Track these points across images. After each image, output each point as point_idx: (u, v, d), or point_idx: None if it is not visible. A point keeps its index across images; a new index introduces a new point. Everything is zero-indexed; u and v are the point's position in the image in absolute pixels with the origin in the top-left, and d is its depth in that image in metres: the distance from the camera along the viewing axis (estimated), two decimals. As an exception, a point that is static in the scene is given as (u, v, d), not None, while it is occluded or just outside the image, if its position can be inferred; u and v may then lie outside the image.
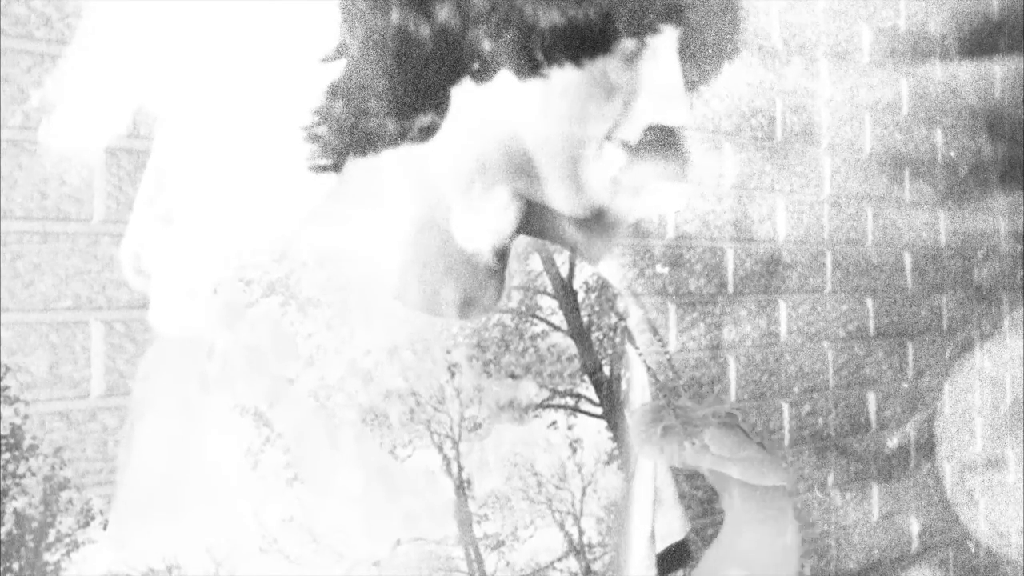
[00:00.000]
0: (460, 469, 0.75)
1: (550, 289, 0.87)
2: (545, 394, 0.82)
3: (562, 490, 0.80)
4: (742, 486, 0.83)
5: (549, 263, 0.88)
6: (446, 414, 0.76)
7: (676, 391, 0.87)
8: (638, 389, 0.92)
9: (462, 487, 0.75)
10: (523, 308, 0.84)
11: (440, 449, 0.75)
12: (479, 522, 0.75)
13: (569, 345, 0.85)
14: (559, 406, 0.83)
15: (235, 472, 0.69)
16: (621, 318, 0.91)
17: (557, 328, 0.85)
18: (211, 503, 0.69)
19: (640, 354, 0.90)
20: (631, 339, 0.92)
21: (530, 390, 0.81)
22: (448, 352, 0.77)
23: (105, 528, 1.10)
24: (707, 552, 0.86)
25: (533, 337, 0.83)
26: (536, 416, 0.81)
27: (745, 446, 0.84)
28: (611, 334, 0.90)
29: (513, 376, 0.80)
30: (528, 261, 0.87)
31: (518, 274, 0.85)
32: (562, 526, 0.79)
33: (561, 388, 0.83)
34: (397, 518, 0.72)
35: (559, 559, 0.79)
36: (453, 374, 0.77)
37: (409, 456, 0.73)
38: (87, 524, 1.10)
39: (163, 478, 0.71)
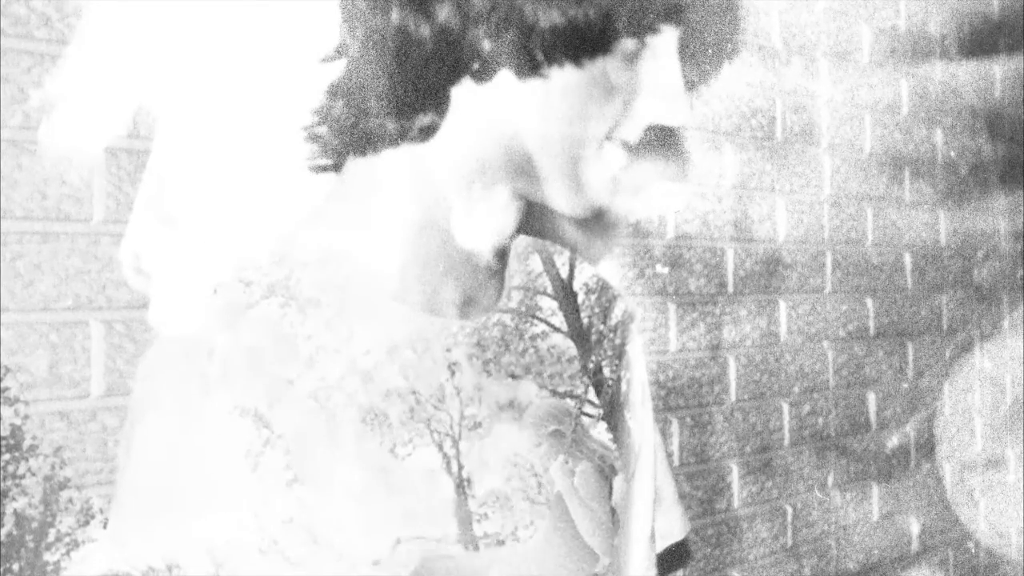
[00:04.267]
0: (460, 468, 0.75)
1: (550, 290, 0.87)
2: (545, 395, 0.82)
3: (562, 490, 0.80)
4: (567, 526, 0.81)
5: (549, 264, 0.88)
6: (446, 412, 0.76)
7: (583, 415, 0.86)
8: (638, 390, 0.92)
9: (462, 486, 0.75)
10: (523, 308, 0.84)
11: (440, 447, 0.75)
12: (479, 521, 0.75)
13: (569, 346, 0.85)
14: (559, 406, 0.82)
15: (235, 473, 0.69)
16: (621, 319, 0.91)
17: (557, 329, 0.85)
18: (211, 503, 0.69)
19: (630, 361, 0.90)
20: (627, 341, 0.92)
21: (530, 391, 0.81)
22: (448, 351, 0.77)
23: (105, 527, 1.10)
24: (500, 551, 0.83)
25: (533, 337, 0.83)
26: (536, 416, 0.81)
27: (600, 501, 0.82)
28: (611, 335, 0.90)
29: (513, 376, 0.80)
30: (528, 261, 0.87)
31: (518, 274, 0.85)
32: (562, 526, 0.79)
33: (561, 389, 0.83)
34: (397, 517, 0.72)
35: (559, 559, 0.78)
36: (453, 373, 0.77)
37: (409, 455, 0.73)
38: (87, 523, 1.10)
39: (163, 478, 0.71)
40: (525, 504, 0.78)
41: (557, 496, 0.79)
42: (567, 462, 0.81)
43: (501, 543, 0.76)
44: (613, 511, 0.83)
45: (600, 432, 0.84)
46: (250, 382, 0.70)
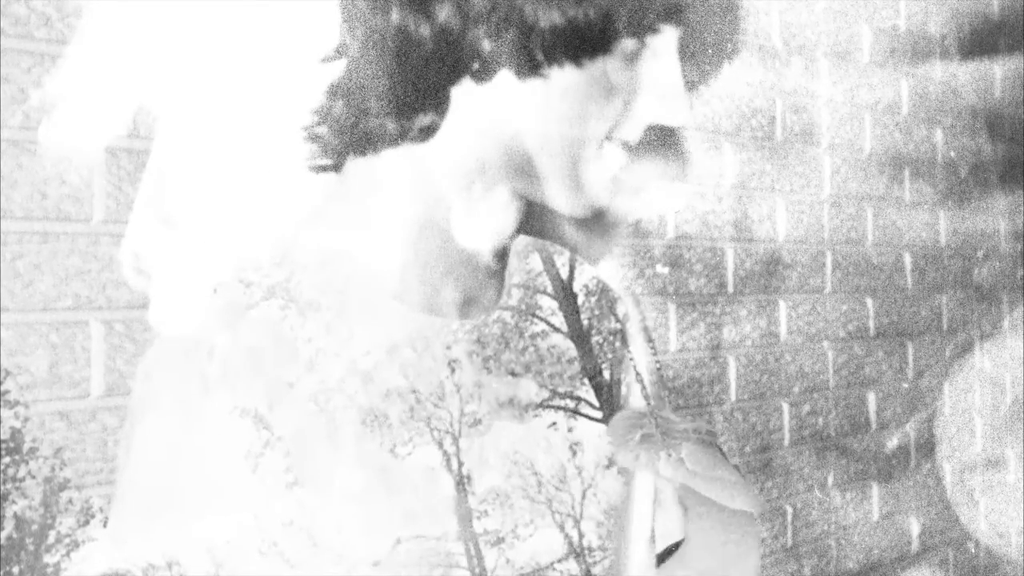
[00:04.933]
0: (460, 465, 0.75)
1: (550, 289, 0.87)
2: (545, 394, 0.82)
3: (562, 492, 0.80)
4: (710, 506, 0.83)
5: (549, 263, 0.88)
6: (446, 410, 0.76)
7: (662, 401, 0.87)
8: (638, 395, 0.92)
9: (462, 483, 0.75)
10: (523, 307, 0.84)
11: (440, 445, 0.75)
12: (479, 518, 0.75)
13: (569, 347, 0.85)
14: (559, 407, 0.83)
15: (235, 474, 0.69)
16: (621, 322, 0.91)
17: (557, 329, 0.85)
18: (211, 504, 0.69)
19: (631, 360, 0.91)
20: (626, 343, 0.92)
21: (530, 389, 0.81)
22: (448, 348, 0.77)
23: (105, 526, 1.10)
24: (665, 565, 0.85)
25: (533, 336, 0.83)
26: (536, 416, 0.81)
27: (719, 466, 0.83)
28: (611, 338, 0.90)
29: (513, 374, 0.80)
30: (528, 260, 0.87)
31: (518, 272, 0.85)
32: (562, 528, 0.79)
33: (561, 389, 0.83)
34: (397, 516, 0.72)
35: (559, 560, 0.79)
36: (453, 370, 0.77)
37: (409, 454, 0.73)
38: (87, 523, 1.10)
39: (163, 478, 0.71)
40: (525, 502, 0.78)
41: (683, 489, 0.79)
42: (670, 455, 0.81)
43: (500, 540, 0.76)
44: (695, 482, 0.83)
45: (670, 410, 0.85)
46: (250, 383, 0.71)
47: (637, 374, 0.89)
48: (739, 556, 0.83)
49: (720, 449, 0.85)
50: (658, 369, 0.94)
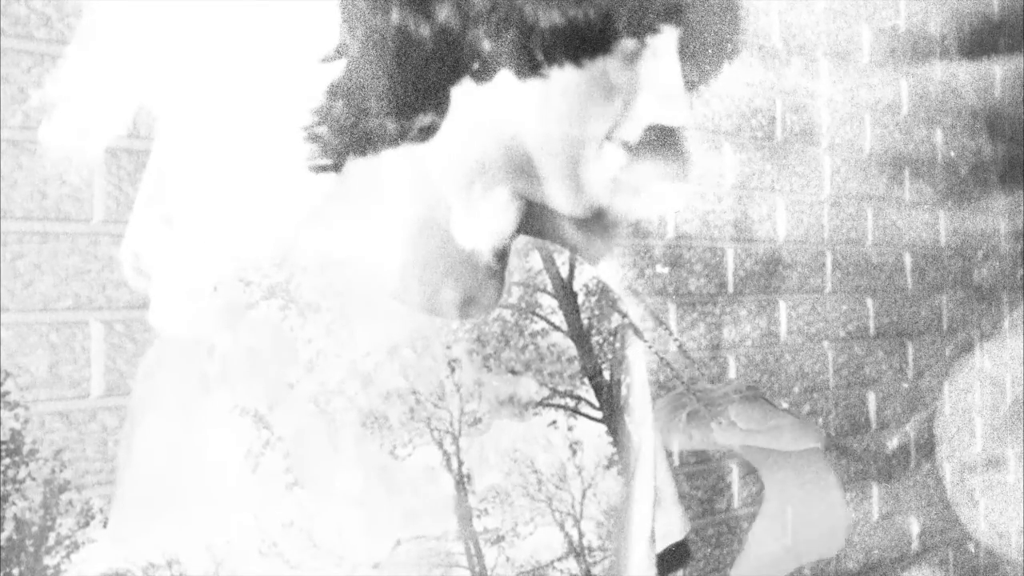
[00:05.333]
0: (460, 464, 0.75)
1: (550, 288, 0.87)
2: (545, 392, 0.82)
3: (562, 490, 0.80)
4: (776, 455, 0.82)
5: (549, 261, 0.88)
6: (446, 410, 0.76)
7: (693, 377, 0.87)
8: (638, 395, 0.92)
9: (462, 482, 0.75)
10: (523, 305, 0.84)
11: (440, 445, 0.75)
12: (479, 516, 0.75)
13: (569, 346, 0.85)
14: (559, 406, 0.83)
15: (235, 474, 0.69)
16: (624, 316, 0.91)
17: (557, 328, 0.85)
18: (211, 504, 0.69)
19: (651, 347, 0.90)
20: (638, 333, 0.91)
21: (530, 387, 0.81)
22: (448, 348, 0.77)
23: (105, 526, 1.10)
24: (753, 528, 0.85)
25: (533, 334, 0.83)
26: (536, 414, 0.81)
27: (772, 415, 0.83)
28: (611, 338, 0.90)
29: (513, 372, 0.80)
30: (528, 258, 0.87)
31: (518, 270, 0.85)
32: (562, 526, 0.79)
33: (561, 388, 0.83)
34: (397, 517, 0.72)
35: (559, 559, 0.79)
36: (453, 369, 0.77)
37: (409, 455, 0.73)
38: (87, 524, 1.10)
39: (163, 478, 0.71)
40: (525, 501, 0.78)
41: (746, 450, 0.79)
42: (721, 422, 0.81)
43: (500, 538, 0.76)
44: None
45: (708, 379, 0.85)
46: (250, 383, 0.70)
47: (662, 359, 0.89)
48: (822, 492, 0.83)
49: (767, 399, 0.85)
50: (680, 347, 0.94)
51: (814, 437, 0.84)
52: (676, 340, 0.95)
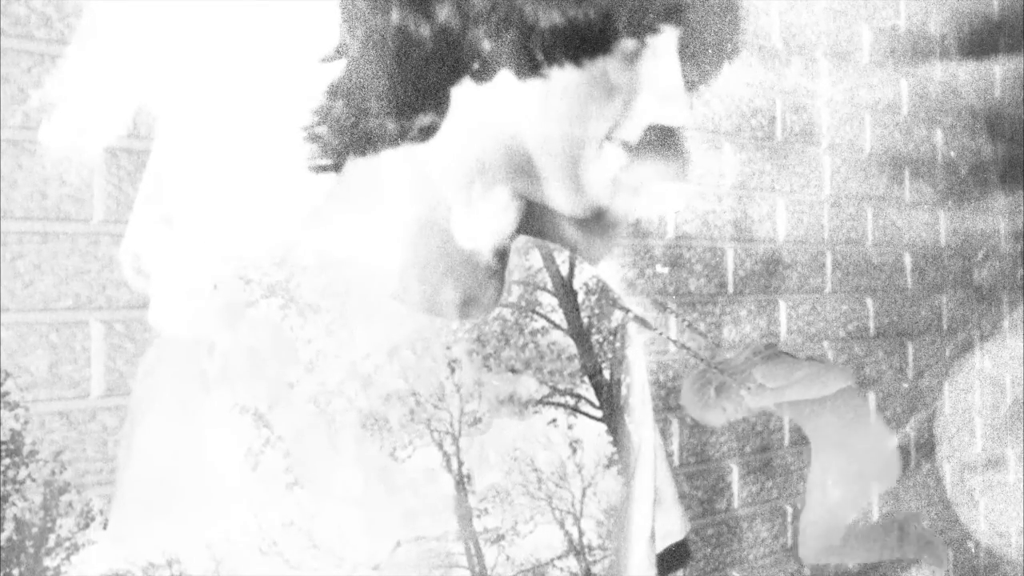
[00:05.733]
0: (460, 464, 0.75)
1: (550, 286, 0.87)
2: (545, 391, 0.82)
3: (562, 489, 0.80)
4: (811, 405, 0.82)
5: (549, 260, 0.88)
6: (446, 410, 0.76)
7: (710, 352, 0.87)
8: (638, 394, 0.92)
9: (462, 482, 0.75)
10: (523, 303, 0.84)
11: (440, 446, 0.75)
12: (479, 516, 0.75)
13: (569, 344, 0.85)
14: (559, 404, 0.83)
15: (235, 473, 0.69)
16: (624, 315, 0.91)
17: (557, 326, 0.85)
18: (211, 503, 0.69)
19: (661, 333, 0.90)
20: (646, 324, 0.91)
21: (530, 385, 0.81)
22: (448, 348, 0.77)
23: (105, 527, 1.10)
24: (810, 477, 0.85)
25: (533, 333, 0.83)
26: (536, 412, 0.81)
27: (797, 367, 0.83)
28: (611, 337, 0.90)
29: (513, 371, 0.80)
30: (528, 256, 0.87)
31: (518, 269, 0.85)
32: (562, 525, 0.79)
33: (561, 386, 0.83)
34: (397, 518, 0.72)
35: (559, 557, 0.79)
36: (453, 370, 0.77)
37: (409, 457, 0.73)
38: (87, 526, 1.10)
39: (163, 478, 0.71)
40: (525, 499, 0.78)
41: (781, 407, 0.80)
42: (750, 388, 0.81)
43: (500, 537, 0.76)
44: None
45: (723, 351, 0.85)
46: (250, 382, 0.70)
47: (675, 342, 0.89)
48: (860, 427, 0.83)
49: (787, 352, 0.85)
50: (689, 325, 0.94)
51: (843, 377, 0.84)
52: (686, 322, 0.95)
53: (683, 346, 0.91)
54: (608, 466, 0.84)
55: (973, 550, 2.71)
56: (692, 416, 0.85)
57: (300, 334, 0.73)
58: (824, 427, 0.84)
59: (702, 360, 0.87)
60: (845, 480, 0.86)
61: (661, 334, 0.94)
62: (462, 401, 0.76)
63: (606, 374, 0.87)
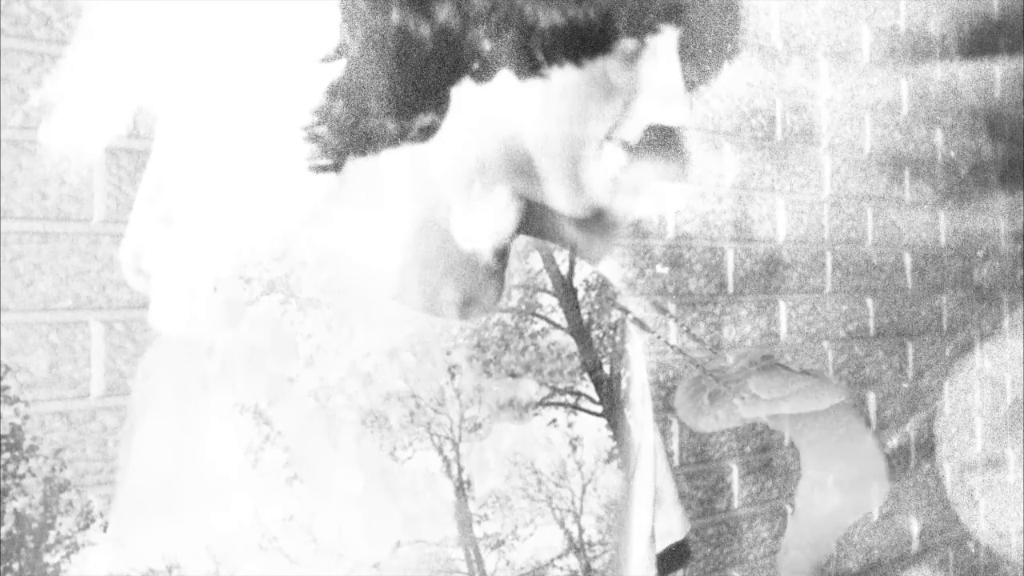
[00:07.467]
0: (460, 470, 0.75)
1: (550, 287, 0.87)
2: (545, 392, 0.82)
3: (562, 488, 0.80)
4: (805, 419, 0.82)
5: (549, 261, 0.88)
6: (446, 415, 0.76)
7: (706, 358, 0.87)
8: (638, 388, 0.92)
9: (462, 488, 0.75)
10: (523, 306, 0.84)
11: (440, 451, 0.75)
12: (479, 522, 0.75)
13: (569, 343, 0.85)
14: (559, 404, 0.83)
15: (235, 470, 0.69)
16: (626, 311, 0.91)
17: (557, 326, 0.85)
18: (211, 502, 0.69)
19: (659, 337, 0.90)
20: (644, 327, 0.91)
21: (530, 388, 0.81)
22: (448, 353, 0.77)
23: (105, 531, 1.10)
24: (799, 491, 0.85)
25: (533, 335, 0.83)
26: (536, 414, 0.81)
27: (792, 380, 0.83)
28: (611, 332, 0.90)
29: (513, 375, 0.80)
30: (528, 259, 0.87)
31: (518, 272, 0.85)
32: (562, 524, 0.79)
33: (561, 386, 0.83)
34: (397, 520, 0.72)
35: (559, 557, 0.79)
36: (453, 375, 0.77)
37: (409, 458, 0.73)
38: (87, 526, 1.10)
39: (163, 478, 0.71)
40: (525, 502, 0.78)
41: (773, 419, 0.80)
42: (743, 397, 0.82)
43: (500, 543, 0.76)
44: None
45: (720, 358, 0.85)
46: (250, 379, 0.70)
47: (672, 347, 0.89)
48: (853, 444, 0.83)
49: (782, 364, 0.85)
50: (687, 331, 0.94)
51: (836, 392, 0.84)
52: (684, 327, 0.95)
53: (679, 351, 0.91)
54: (608, 461, 0.84)
55: (973, 550, 2.71)
56: (684, 421, 0.85)
57: (300, 329, 0.73)
58: (815, 442, 0.85)
59: (698, 365, 0.88)
60: (834, 497, 0.86)
61: (659, 337, 0.94)
62: (462, 407, 0.76)
63: (606, 369, 0.87)
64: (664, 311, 0.94)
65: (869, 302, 2.48)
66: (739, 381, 0.84)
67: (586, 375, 0.85)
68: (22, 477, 1.08)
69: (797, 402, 0.83)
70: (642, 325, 0.91)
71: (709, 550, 1.96)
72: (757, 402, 0.83)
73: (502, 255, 0.81)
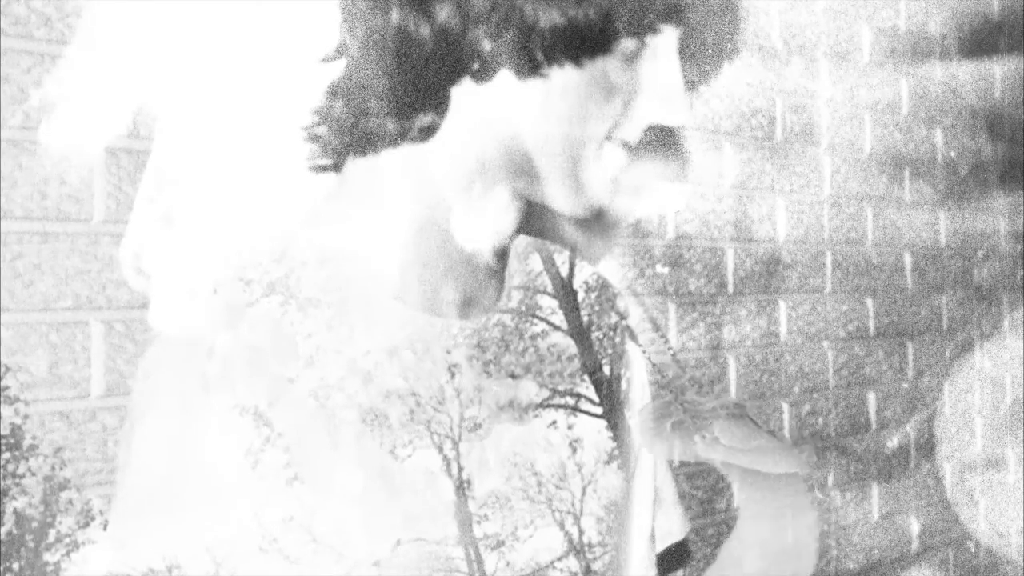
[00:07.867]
0: (460, 469, 0.75)
1: (550, 288, 0.87)
2: (545, 394, 0.82)
3: (562, 489, 0.80)
4: (755, 476, 0.83)
5: (549, 262, 0.88)
6: (446, 414, 0.76)
7: (682, 386, 0.87)
8: (638, 389, 0.92)
9: (462, 487, 0.75)
10: (523, 308, 0.84)
11: (440, 450, 0.75)
12: (479, 522, 0.75)
13: (569, 344, 0.85)
14: (559, 406, 0.83)
15: (235, 472, 0.69)
16: (621, 317, 0.91)
17: (557, 328, 0.85)
18: (211, 503, 0.69)
19: (644, 351, 0.90)
20: (633, 337, 0.92)
21: (530, 390, 0.81)
22: (448, 352, 0.77)
23: (105, 529, 1.10)
24: (725, 545, 0.85)
25: (533, 337, 0.83)
26: (536, 416, 0.81)
27: (755, 436, 0.83)
28: (611, 333, 0.90)
29: (513, 376, 0.80)
30: (528, 260, 0.87)
31: (518, 274, 0.85)
32: (562, 525, 0.79)
33: (561, 388, 0.83)
34: (397, 518, 0.72)
35: (559, 558, 0.79)
36: (453, 375, 0.77)
37: (409, 456, 0.73)
38: (87, 525, 1.10)
39: (163, 478, 0.71)
40: (525, 504, 0.78)
41: (726, 467, 0.80)
42: (704, 436, 0.81)
43: (500, 543, 0.76)
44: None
45: (696, 391, 0.85)
46: (250, 381, 0.70)
47: (653, 365, 0.89)
48: (796, 518, 0.83)
49: (752, 419, 0.85)
50: (674, 356, 0.94)
51: (795, 463, 0.84)
52: (671, 349, 0.95)
53: (658, 370, 0.91)
54: (608, 462, 0.84)
55: (973, 550, 2.71)
56: (639, 439, 0.85)
57: (300, 329, 0.73)
58: (757, 503, 0.84)
59: (670, 391, 0.88)
60: (758, 561, 0.86)
61: (660, 337, 0.94)
62: (462, 406, 0.76)
63: (606, 370, 0.87)
64: (658, 329, 0.93)
65: (869, 302, 2.48)
66: (706, 420, 0.84)
67: (586, 377, 0.85)
68: (22, 477, 1.08)
69: (753, 458, 0.83)
70: (632, 335, 0.92)
71: (709, 550, 1.96)
72: (716, 446, 0.84)
73: (502, 255, 0.81)
